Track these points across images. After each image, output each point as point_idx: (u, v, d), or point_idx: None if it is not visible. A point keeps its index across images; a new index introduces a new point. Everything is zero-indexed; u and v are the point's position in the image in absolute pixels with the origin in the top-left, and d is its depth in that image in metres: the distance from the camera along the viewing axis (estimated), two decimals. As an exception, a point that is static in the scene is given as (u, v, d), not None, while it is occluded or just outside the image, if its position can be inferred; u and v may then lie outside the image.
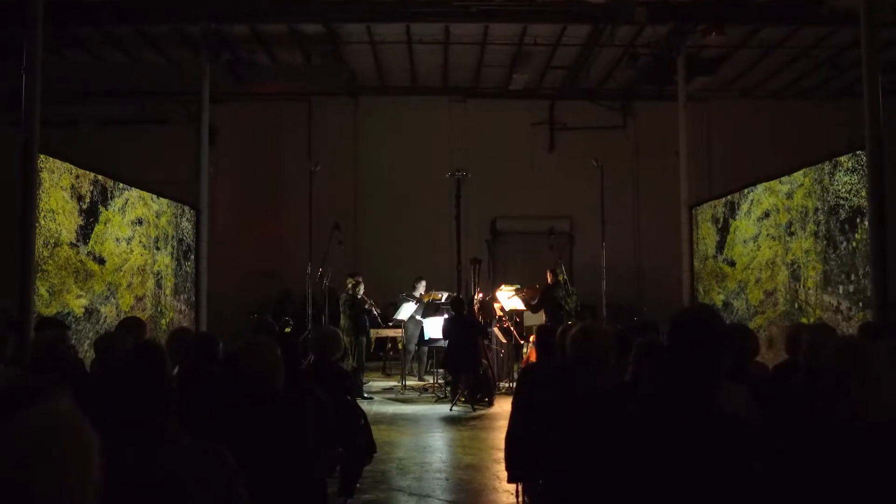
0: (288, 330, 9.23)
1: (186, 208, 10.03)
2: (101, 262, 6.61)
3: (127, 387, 2.20)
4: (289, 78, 13.05)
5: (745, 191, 9.45)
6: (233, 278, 13.82)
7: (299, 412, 2.92)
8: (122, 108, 14.33)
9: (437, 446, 7.15)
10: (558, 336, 4.12)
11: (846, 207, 7.06)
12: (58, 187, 5.84)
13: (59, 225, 5.79)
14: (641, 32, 11.63)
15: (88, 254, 6.33)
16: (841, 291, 7.15)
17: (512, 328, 10.25)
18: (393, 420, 8.35)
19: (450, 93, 15.09)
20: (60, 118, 13.67)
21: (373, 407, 9.17)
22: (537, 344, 4.55)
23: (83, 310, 6.28)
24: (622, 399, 2.73)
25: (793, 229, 8.18)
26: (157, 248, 8.36)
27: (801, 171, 8.02)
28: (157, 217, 8.36)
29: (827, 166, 7.42)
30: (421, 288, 11.04)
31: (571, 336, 2.99)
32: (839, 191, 7.19)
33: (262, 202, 14.95)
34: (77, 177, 6.37)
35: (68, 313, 6.05)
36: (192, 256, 10.33)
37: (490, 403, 9.26)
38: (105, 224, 6.69)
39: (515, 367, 10.84)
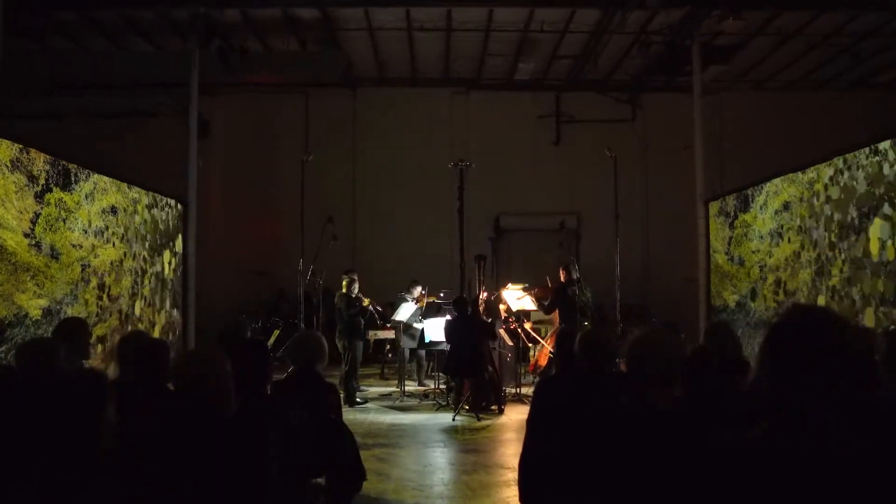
0: (277, 332, 8.59)
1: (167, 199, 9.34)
2: (56, 256, 5.83)
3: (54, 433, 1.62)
4: (283, 67, 12.44)
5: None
6: (225, 277, 13.34)
7: (255, 440, 2.28)
8: (112, 100, 13.84)
9: (439, 464, 6.50)
10: (579, 341, 3.56)
11: (867, 196, 6.47)
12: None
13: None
14: (654, 18, 11.05)
15: (34, 245, 5.42)
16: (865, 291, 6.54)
17: (519, 329, 9.63)
18: (390, 432, 7.71)
19: (452, 84, 14.55)
20: (46, 110, 13.17)
21: (368, 416, 8.56)
22: (559, 350, 3.94)
23: (40, 311, 5.57)
24: (688, 423, 2.15)
25: (815, 223, 7.57)
26: (136, 242, 7.64)
27: (826, 163, 7.40)
28: (133, 205, 7.60)
29: (849, 156, 6.82)
30: (415, 292, 10.40)
31: (632, 340, 2.41)
32: (858, 177, 6.61)
33: (257, 198, 14.44)
34: (24, 150, 5.43)
35: (25, 315, 5.37)
36: (177, 253, 9.67)
37: (500, 411, 8.66)
38: (58, 208, 5.88)
39: (522, 371, 10.26)
